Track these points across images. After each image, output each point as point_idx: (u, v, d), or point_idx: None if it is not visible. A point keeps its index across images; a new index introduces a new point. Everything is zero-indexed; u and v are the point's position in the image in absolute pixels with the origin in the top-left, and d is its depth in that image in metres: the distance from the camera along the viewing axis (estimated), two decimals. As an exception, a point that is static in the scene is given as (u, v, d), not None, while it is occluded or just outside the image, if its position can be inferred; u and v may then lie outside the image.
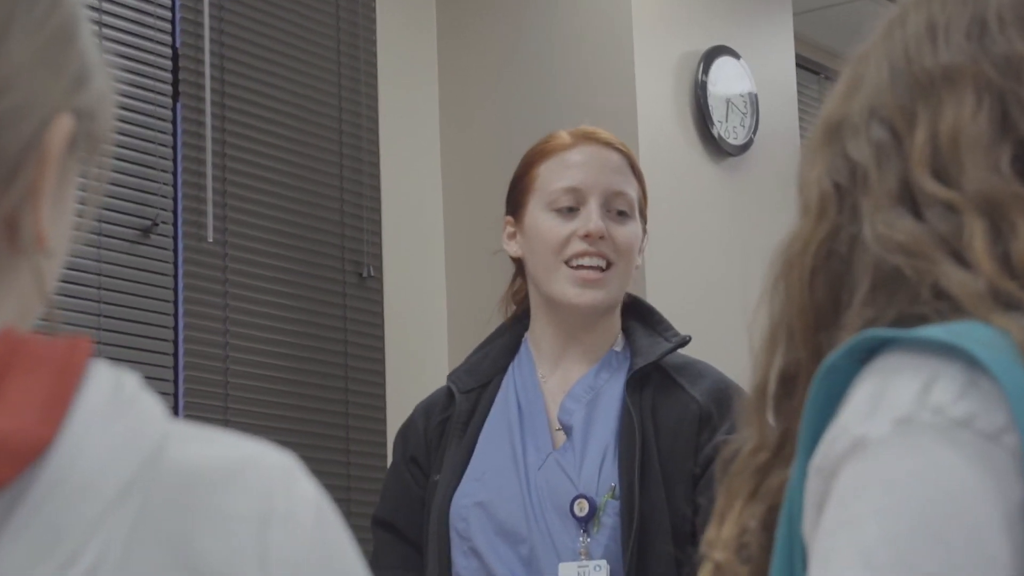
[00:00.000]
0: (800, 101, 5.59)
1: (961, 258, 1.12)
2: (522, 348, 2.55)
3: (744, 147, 5.02)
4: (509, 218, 2.55)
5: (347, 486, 4.39)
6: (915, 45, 1.22)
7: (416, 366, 4.67)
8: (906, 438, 1.04)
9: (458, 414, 2.50)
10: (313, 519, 0.88)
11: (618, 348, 2.51)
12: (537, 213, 2.49)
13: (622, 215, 2.48)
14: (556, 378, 2.50)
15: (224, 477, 0.86)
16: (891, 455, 1.04)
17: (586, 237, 2.44)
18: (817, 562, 1.05)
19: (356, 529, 3.69)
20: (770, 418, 1.21)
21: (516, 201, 2.54)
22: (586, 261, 2.45)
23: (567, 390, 2.48)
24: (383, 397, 4.58)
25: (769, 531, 1.16)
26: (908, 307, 1.12)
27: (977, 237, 1.12)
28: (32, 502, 0.81)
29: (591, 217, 2.44)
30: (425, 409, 2.56)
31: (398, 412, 4.50)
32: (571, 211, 2.46)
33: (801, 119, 5.59)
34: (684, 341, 2.48)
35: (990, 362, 1.04)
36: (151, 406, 0.87)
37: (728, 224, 4.92)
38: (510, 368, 2.54)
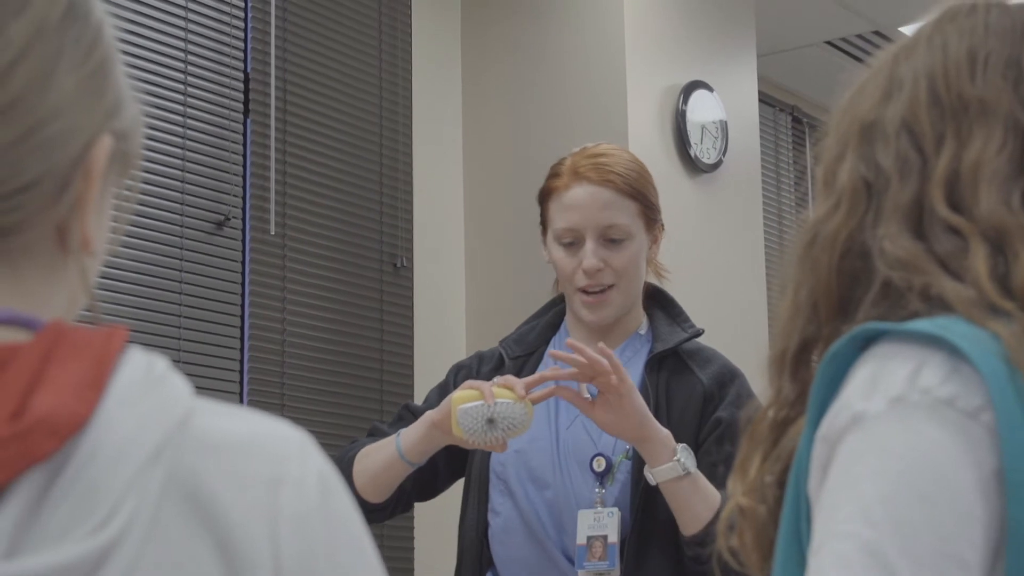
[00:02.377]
0: (761, 128, 5.59)
1: (957, 275, 1.10)
2: (562, 327, 2.55)
3: (715, 165, 4.99)
4: (541, 228, 2.54)
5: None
6: (955, 70, 1.16)
7: (439, 343, 4.66)
8: (899, 414, 1.04)
9: (506, 375, 2.47)
10: (319, 484, 0.85)
11: (642, 331, 2.51)
12: (552, 244, 2.49)
13: (617, 241, 2.44)
14: None
15: (242, 445, 0.84)
16: (886, 428, 1.04)
17: (585, 272, 2.43)
18: (822, 515, 1.06)
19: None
20: (787, 380, 1.19)
21: (542, 223, 2.53)
22: (590, 289, 2.45)
23: None
24: (411, 368, 4.57)
25: (782, 488, 1.15)
26: (907, 315, 1.11)
27: (980, 259, 1.09)
28: (72, 470, 0.79)
29: (587, 255, 2.43)
30: (480, 358, 2.57)
31: (424, 382, 4.51)
32: (572, 244, 2.45)
33: (762, 143, 5.59)
34: (698, 332, 2.49)
35: (970, 352, 1.04)
36: (178, 384, 0.85)
37: (702, 228, 4.92)
38: (552, 341, 2.53)
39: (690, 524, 2.28)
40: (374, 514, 2.44)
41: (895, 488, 1.02)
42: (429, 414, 2.34)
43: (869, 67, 1.23)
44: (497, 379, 2.32)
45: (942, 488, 1.02)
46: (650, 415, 2.28)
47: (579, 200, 2.45)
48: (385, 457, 2.38)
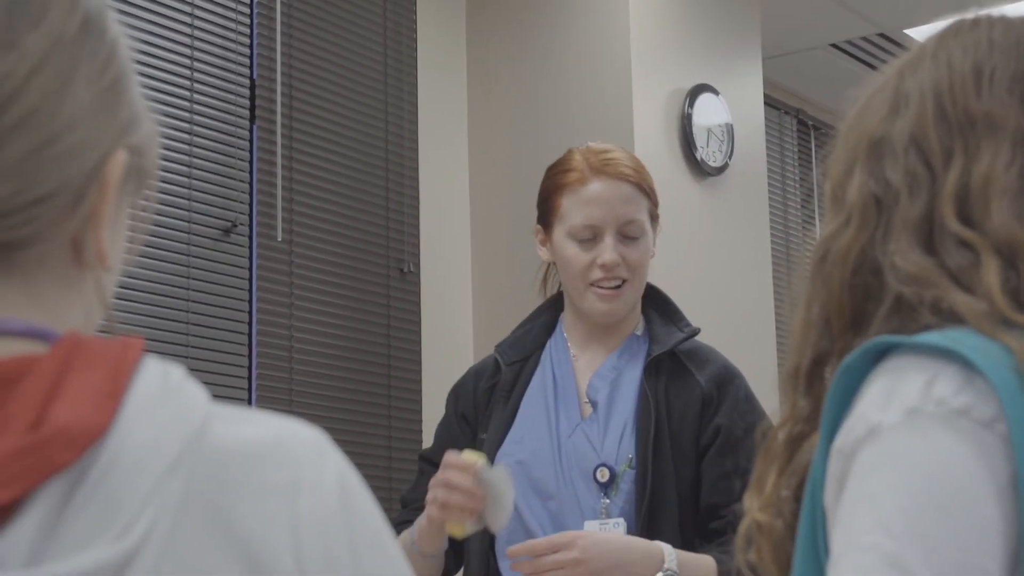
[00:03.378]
0: (767, 131, 5.60)
1: (968, 288, 1.10)
2: (557, 329, 2.52)
3: (721, 169, 5.00)
4: (539, 227, 2.51)
5: (388, 446, 4.41)
6: (960, 85, 1.16)
7: (447, 347, 4.67)
8: (914, 425, 1.04)
9: (503, 383, 2.47)
10: (338, 487, 0.85)
11: (639, 332, 2.48)
12: (562, 239, 2.45)
13: (633, 236, 2.44)
14: (585, 358, 2.47)
15: (260, 452, 0.84)
16: (902, 439, 1.04)
17: (603, 267, 2.41)
18: (840, 528, 1.05)
19: (398, 481, 3.72)
20: (801, 396, 1.19)
21: (544, 219, 2.49)
22: (605, 283, 2.42)
23: (594, 368, 2.45)
24: (419, 373, 4.58)
25: (798, 502, 1.15)
26: (919, 328, 1.11)
27: (991, 272, 1.09)
28: (92, 481, 0.79)
29: (607, 250, 2.41)
30: (476, 373, 2.54)
31: (432, 385, 4.53)
32: (590, 239, 2.43)
33: (767, 146, 5.60)
34: (695, 332, 2.46)
35: (981, 364, 1.04)
36: (194, 393, 0.85)
37: (708, 231, 4.93)
38: (547, 345, 2.50)
39: None
40: None
41: (914, 500, 1.02)
42: (422, 524, 2.29)
43: (874, 83, 1.23)
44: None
45: (960, 499, 1.02)
46: (623, 542, 2.25)
47: (601, 195, 2.43)
48: (412, 560, 2.33)
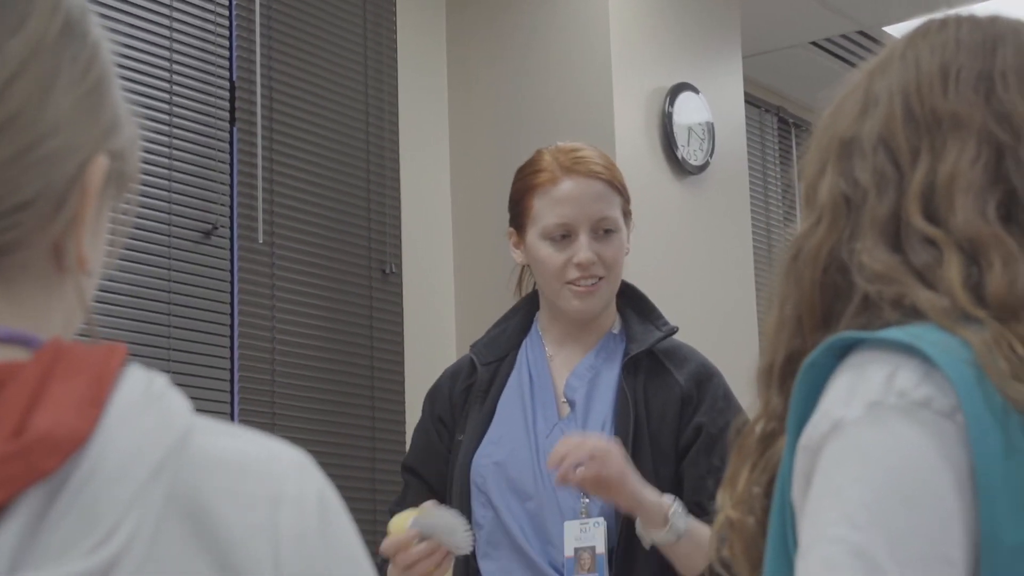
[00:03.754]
0: (748, 130, 5.61)
1: (931, 285, 1.12)
2: (533, 329, 2.51)
3: (702, 167, 5.00)
4: (512, 230, 2.51)
5: (372, 447, 4.41)
6: (928, 85, 1.17)
7: (429, 348, 4.67)
8: (876, 418, 1.06)
9: (479, 383, 2.47)
10: (318, 503, 0.85)
11: (615, 331, 2.48)
12: (536, 241, 2.45)
13: (608, 232, 2.44)
14: (561, 357, 2.47)
15: (243, 464, 0.84)
16: (865, 432, 1.06)
17: (579, 265, 2.41)
18: (807, 522, 1.07)
19: (382, 483, 3.72)
20: (775, 394, 1.20)
21: (517, 222, 2.49)
22: (581, 282, 2.42)
23: (571, 368, 2.45)
24: (402, 374, 4.58)
25: (770, 497, 1.16)
26: (883, 325, 1.12)
27: (953, 268, 1.11)
28: (73, 488, 0.78)
29: (582, 249, 2.41)
30: (451, 375, 2.53)
31: (415, 386, 4.52)
32: (564, 238, 2.43)
33: (748, 144, 5.61)
34: (673, 331, 2.46)
35: (939, 359, 1.06)
36: (177, 402, 0.84)
37: (689, 229, 4.94)
38: (523, 345, 2.50)
39: (688, 572, 2.28)
40: None
41: (878, 492, 1.03)
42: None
43: (847, 84, 1.24)
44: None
45: (924, 490, 1.03)
46: (637, 485, 2.25)
47: (573, 193, 2.42)
48: None
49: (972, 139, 1.14)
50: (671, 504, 2.27)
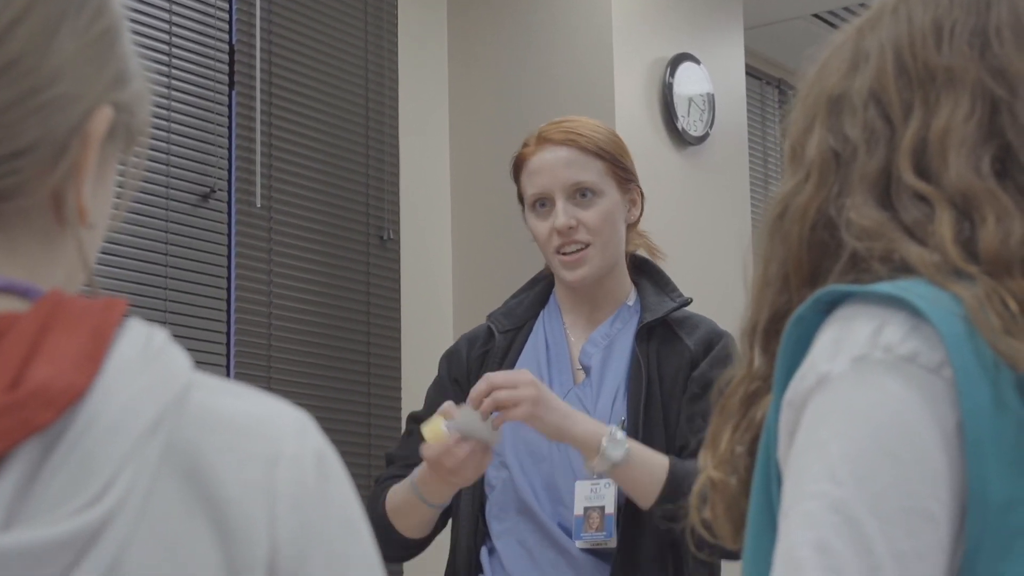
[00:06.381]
0: (748, 101, 5.60)
1: (922, 241, 1.10)
2: (551, 299, 2.56)
3: (702, 138, 5.00)
4: (522, 209, 2.55)
5: (368, 412, 4.41)
6: (920, 40, 1.16)
7: (426, 314, 4.67)
8: (862, 372, 1.05)
9: (497, 349, 2.50)
10: (316, 463, 0.85)
11: (630, 302, 2.51)
12: (528, 213, 2.51)
13: (587, 197, 2.45)
14: (578, 326, 2.51)
15: (243, 423, 0.84)
16: (850, 387, 1.05)
17: (558, 232, 2.44)
18: (791, 479, 1.06)
19: (377, 447, 3.73)
20: (759, 353, 1.19)
21: (520, 200, 2.55)
22: (566, 249, 2.45)
23: (587, 336, 2.49)
24: (398, 340, 4.57)
25: (753, 456, 1.16)
26: (871, 280, 1.11)
27: (945, 224, 1.09)
28: (69, 441, 0.78)
29: (558, 215, 2.44)
30: (469, 340, 2.56)
31: (411, 352, 4.53)
32: (543, 207, 2.47)
33: (748, 115, 5.60)
34: (687, 302, 2.49)
35: (928, 311, 1.05)
36: (177, 357, 0.84)
37: (689, 200, 4.94)
38: (540, 315, 2.54)
39: (641, 500, 2.29)
40: (427, 540, 2.47)
41: (861, 446, 1.02)
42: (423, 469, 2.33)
43: (833, 41, 1.23)
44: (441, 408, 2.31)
45: (907, 445, 1.02)
46: (568, 414, 2.27)
47: (544, 163, 2.47)
48: (413, 507, 2.38)
49: (966, 94, 1.13)
50: (607, 431, 2.27)
